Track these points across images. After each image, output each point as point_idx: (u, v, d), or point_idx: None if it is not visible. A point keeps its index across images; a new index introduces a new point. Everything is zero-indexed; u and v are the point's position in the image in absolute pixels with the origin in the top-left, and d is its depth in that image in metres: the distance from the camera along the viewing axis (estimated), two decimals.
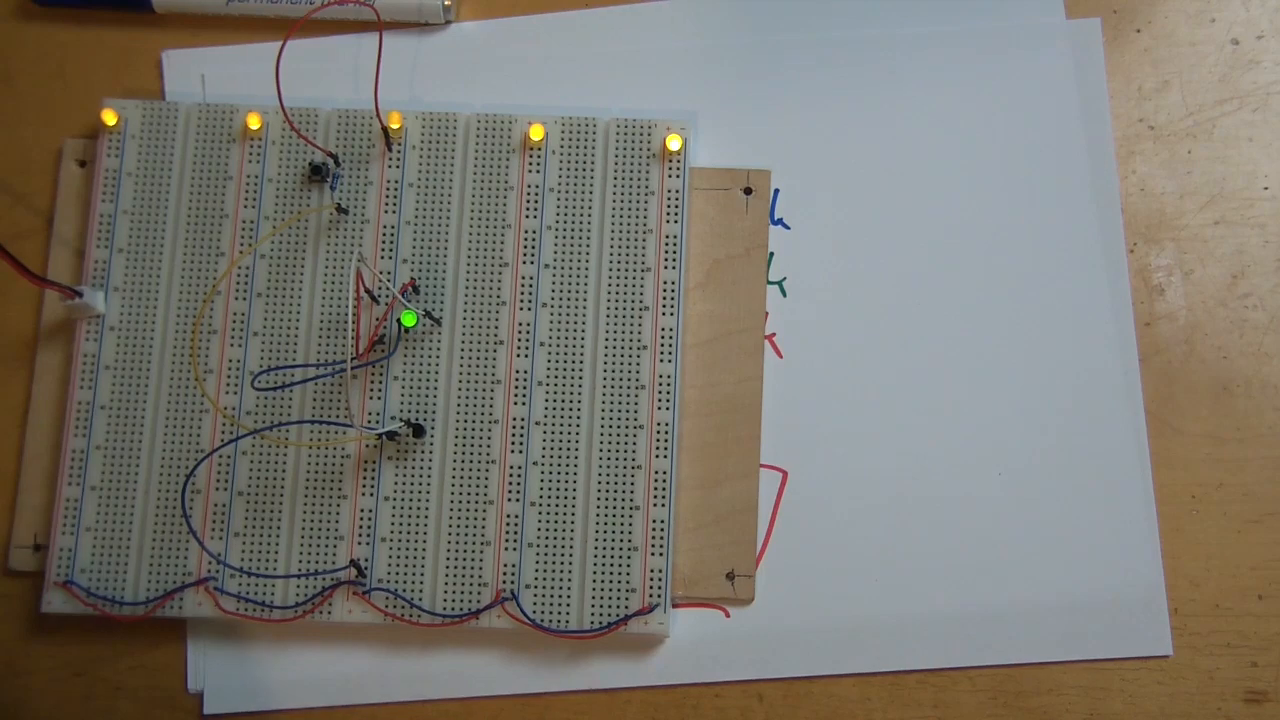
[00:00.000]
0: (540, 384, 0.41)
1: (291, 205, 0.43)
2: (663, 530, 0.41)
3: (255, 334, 0.42)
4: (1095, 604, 0.41)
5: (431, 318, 0.42)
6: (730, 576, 0.41)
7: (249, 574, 0.40)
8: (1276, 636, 0.41)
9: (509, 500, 0.41)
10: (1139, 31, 0.45)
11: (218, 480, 0.41)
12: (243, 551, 0.41)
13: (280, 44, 0.40)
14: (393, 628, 0.41)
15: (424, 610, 0.40)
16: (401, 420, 0.41)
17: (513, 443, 0.41)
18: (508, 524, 0.41)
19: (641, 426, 0.41)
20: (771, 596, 0.41)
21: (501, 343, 0.42)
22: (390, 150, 0.43)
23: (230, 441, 0.41)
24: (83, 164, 0.44)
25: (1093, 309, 0.43)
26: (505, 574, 0.40)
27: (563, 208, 0.42)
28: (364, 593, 0.40)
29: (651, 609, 0.40)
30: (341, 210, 0.42)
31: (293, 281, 0.42)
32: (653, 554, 0.40)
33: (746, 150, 0.44)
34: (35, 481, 0.42)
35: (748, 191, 0.43)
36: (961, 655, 0.41)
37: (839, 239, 0.43)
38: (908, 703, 0.41)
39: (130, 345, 0.42)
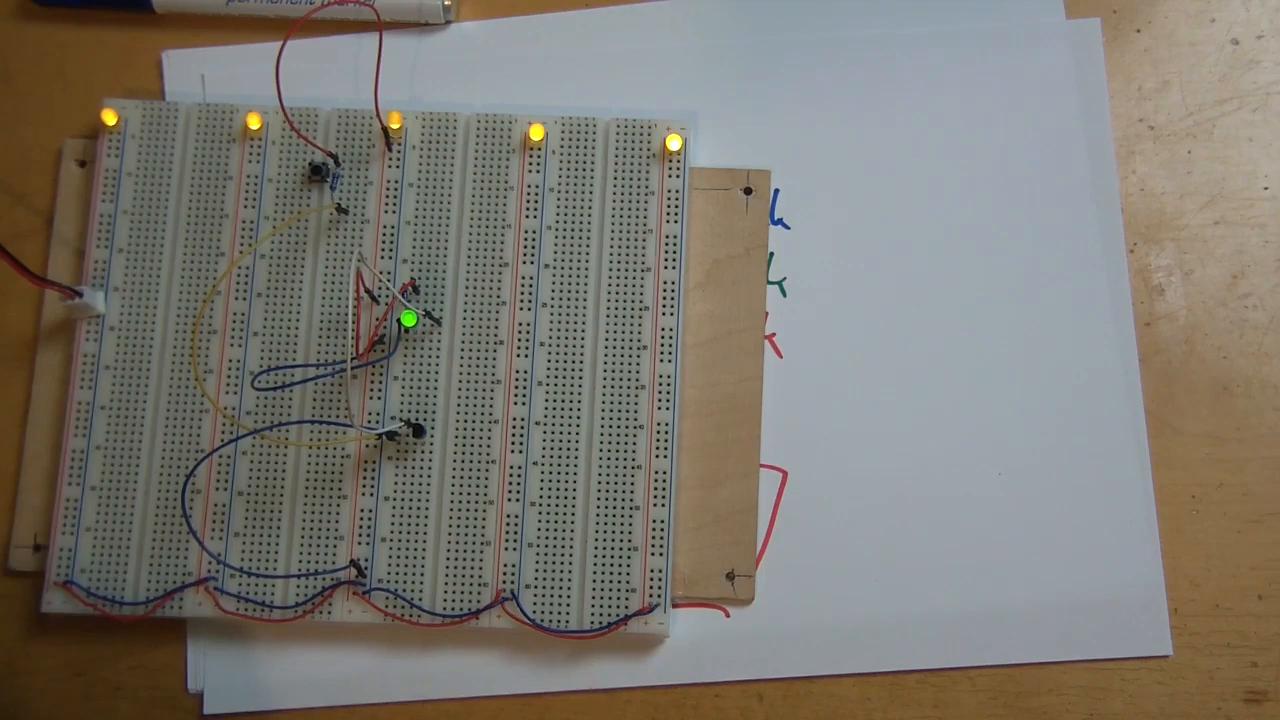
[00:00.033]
0: (540, 384, 0.41)
1: (291, 205, 0.43)
2: (663, 530, 0.41)
3: (255, 334, 0.42)
4: (1095, 604, 0.41)
5: (431, 318, 0.42)
6: (730, 576, 0.41)
7: (249, 574, 0.40)
8: (1276, 636, 0.41)
9: (509, 500, 0.41)
10: (1139, 31, 0.45)
11: (218, 480, 0.41)
12: (243, 551, 0.41)
13: (280, 44, 0.40)
14: (393, 628, 0.41)
15: (424, 610, 0.40)
16: (401, 420, 0.41)
17: (513, 443, 0.41)
18: (508, 524, 0.41)
19: (641, 426, 0.41)
20: (771, 596, 0.41)
21: (501, 343, 0.42)
22: (390, 150, 0.43)
23: (230, 441, 0.41)
24: (83, 164, 0.44)
25: (1093, 309, 0.43)
26: (505, 574, 0.40)
27: (563, 208, 0.42)
28: (364, 593, 0.40)
29: (651, 609, 0.40)
30: (341, 210, 0.42)
31: (293, 281, 0.42)
32: (653, 554, 0.40)
33: (746, 150, 0.44)
34: (35, 481, 0.42)
35: (748, 191, 0.43)
36: (961, 655, 0.41)
37: (839, 239, 0.43)
38: (908, 703, 0.41)
39: (130, 345, 0.42)
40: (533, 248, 0.42)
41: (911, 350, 0.43)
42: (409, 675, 0.41)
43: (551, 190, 0.43)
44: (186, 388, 0.42)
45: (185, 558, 0.41)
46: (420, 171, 0.43)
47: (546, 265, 0.42)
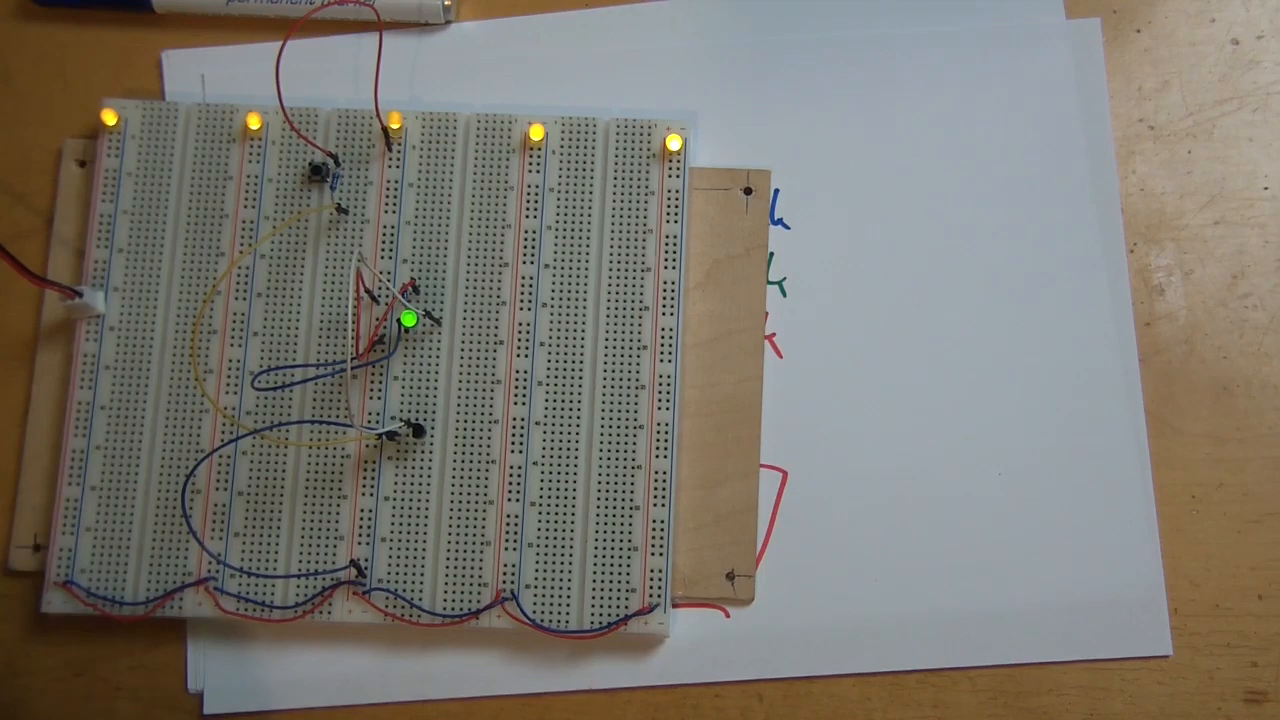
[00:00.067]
0: (540, 384, 0.41)
1: (291, 205, 0.43)
2: (663, 530, 0.41)
3: (255, 334, 0.42)
4: (1095, 604, 0.41)
5: (431, 318, 0.42)
6: (730, 576, 0.41)
7: (249, 574, 0.40)
8: (1276, 636, 0.41)
9: (509, 500, 0.41)
10: (1139, 31, 0.45)
11: (218, 480, 0.41)
12: (243, 551, 0.41)
13: (280, 44, 0.40)
14: (393, 628, 0.41)
15: (424, 610, 0.40)
16: (401, 420, 0.41)
17: (513, 443, 0.41)
18: (508, 524, 0.41)
19: (641, 426, 0.41)
20: (771, 596, 0.41)
21: (501, 343, 0.42)
22: (390, 150, 0.43)
23: (230, 441, 0.41)
24: (83, 164, 0.44)
25: (1093, 309, 0.43)
26: (505, 574, 0.40)
27: (563, 208, 0.42)
28: (364, 593, 0.40)
29: (651, 609, 0.40)
30: (341, 210, 0.42)
31: (293, 281, 0.42)
32: (653, 554, 0.40)
33: (746, 150, 0.44)
34: (35, 481, 0.42)
35: (748, 191, 0.43)
36: (961, 655, 0.41)
37: (839, 239, 0.43)
38: (908, 703, 0.41)
39: (130, 345, 0.42)
40: (533, 248, 0.42)
41: (911, 350, 0.43)
42: (409, 675, 0.41)
43: (551, 190, 0.43)
44: (186, 388, 0.42)
45: (185, 558, 0.41)
46: (420, 171, 0.43)
47: (546, 265, 0.42)
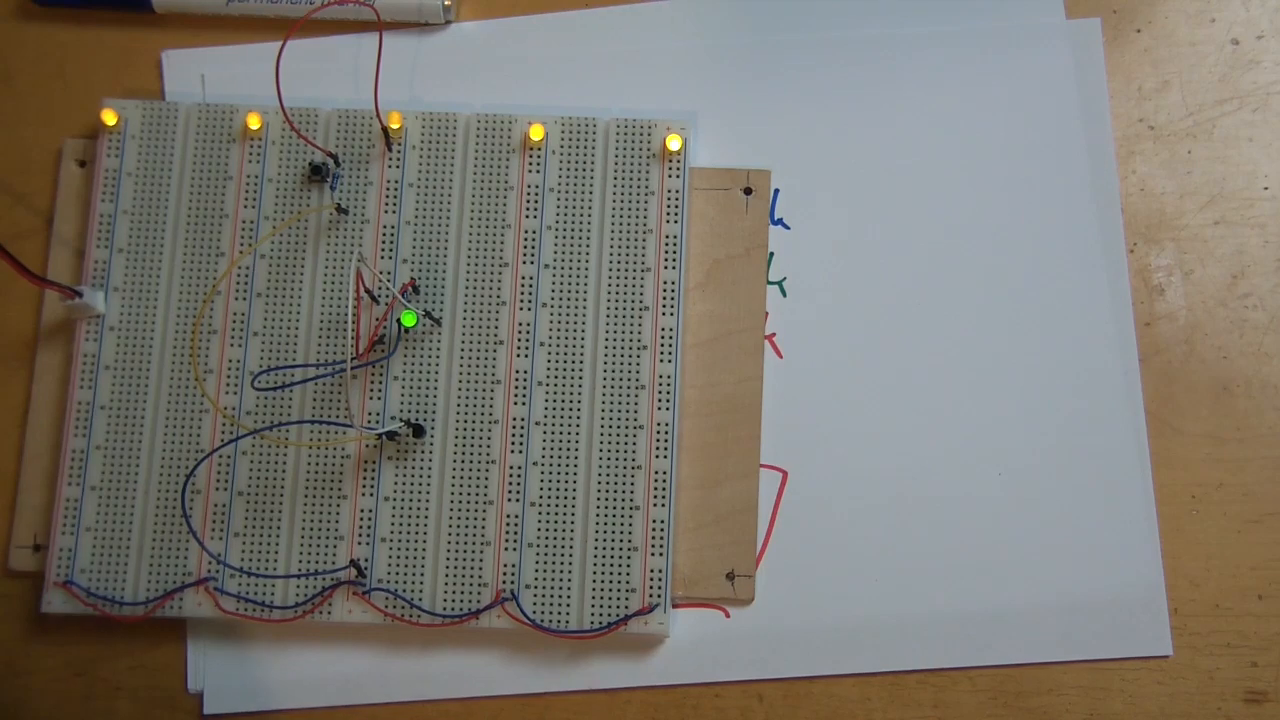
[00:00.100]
0: (540, 384, 0.41)
1: (291, 205, 0.43)
2: (663, 530, 0.40)
3: (255, 334, 0.42)
4: (1095, 604, 0.41)
5: (431, 318, 0.42)
6: (730, 576, 0.41)
7: (249, 574, 0.40)
8: (1276, 636, 0.41)
9: (509, 500, 0.41)
10: (1139, 31, 0.45)
11: (218, 480, 0.41)
12: (243, 551, 0.41)
13: (280, 44, 0.40)
14: (393, 628, 0.41)
15: (424, 610, 0.40)
16: (401, 420, 0.41)
17: (513, 443, 0.41)
18: (508, 524, 0.41)
19: (641, 426, 0.41)
20: (771, 596, 0.41)
21: (501, 343, 0.42)
22: (390, 150, 0.43)
23: (230, 441, 0.41)
24: (83, 164, 0.44)
25: (1093, 309, 0.43)
26: (505, 574, 0.40)
27: (563, 208, 0.42)
28: (364, 593, 0.40)
29: (651, 609, 0.40)
30: (341, 210, 0.42)
31: (293, 281, 0.42)
32: (653, 554, 0.40)
33: (746, 150, 0.44)
34: (35, 481, 0.42)
35: (748, 191, 0.43)
36: (961, 655, 0.41)
37: (839, 239, 0.43)
38: (908, 703, 0.41)
39: (130, 345, 0.42)
40: (533, 248, 0.42)
41: (911, 350, 0.43)
42: (409, 675, 0.41)
43: (551, 190, 0.43)
44: (186, 388, 0.42)
45: (185, 558, 0.41)
46: (420, 171, 0.43)
47: (546, 265, 0.42)
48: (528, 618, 0.40)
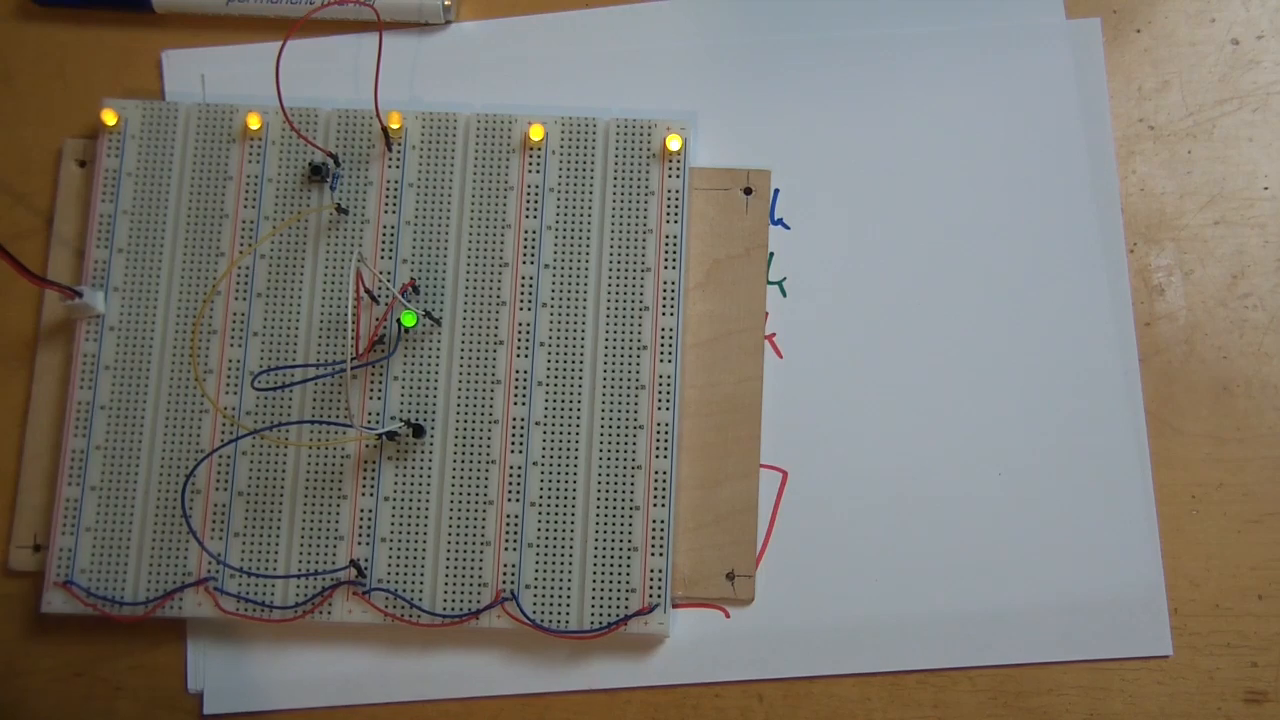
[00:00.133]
0: (540, 384, 0.41)
1: (291, 205, 0.43)
2: (663, 530, 0.40)
3: (255, 334, 0.42)
4: (1095, 604, 0.41)
5: (431, 318, 0.42)
6: (730, 576, 0.41)
7: (249, 574, 0.40)
8: (1276, 636, 0.41)
9: (509, 500, 0.41)
10: (1139, 31, 0.45)
11: (218, 480, 0.41)
12: (243, 551, 0.41)
13: (280, 44, 0.40)
14: (393, 628, 0.41)
15: (424, 610, 0.40)
16: (401, 420, 0.41)
17: (513, 443, 0.41)
18: (508, 524, 0.41)
19: (641, 426, 0.41)
20: (771, 596, 0.41)
21: (501, 343, 0.42)
22: (390, 150, 0.43)
23: (230, 441, 0.41)
24: (83, 164, 0.44)
25: (1093, 309, 0.43)
26: (505, 574, 0.40)
27: (563, 208, 0.42)
28: (364, 593, 0.40)
29: (651, 609, 0.40)
30: (341, 210, 0.42)
31: (293, 281, 0.42)
32: (653, 554, 0.40)
33: (746, 150, 0.44)
34: (35, 481, 0.42)
35: (748, 191, 0.43)
36: (961, 655, 0.41)
37: (839, 239, 0.43)
38: (908, 703, 0.41)
39: (130, 345, 0.42)
40: (533, 248, 0.42)
41: (911, 350, 0.43)
42: (409, 675, 0.41)
43: (551, 190, 0.43)
44: (186, 388, 0.42)
45: (185, 558, 0.41)
46: (420, 171, 0.43)
47: (546, 265, 0.42)
48: (528, 618, 0.40)
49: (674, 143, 0.42)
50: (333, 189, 0.43)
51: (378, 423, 0.41)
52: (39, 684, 0.42)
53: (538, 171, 0.43)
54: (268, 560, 0.41)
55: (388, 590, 0.40)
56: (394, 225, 0.42)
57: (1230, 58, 0.44)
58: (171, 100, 0.44)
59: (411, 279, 0.42)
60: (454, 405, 0.41)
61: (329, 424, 0.41)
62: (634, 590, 0.40)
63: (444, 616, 0.40)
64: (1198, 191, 0.44)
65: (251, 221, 0.43)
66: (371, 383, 0.41)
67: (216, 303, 0.42)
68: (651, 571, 0.40)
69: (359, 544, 0.41)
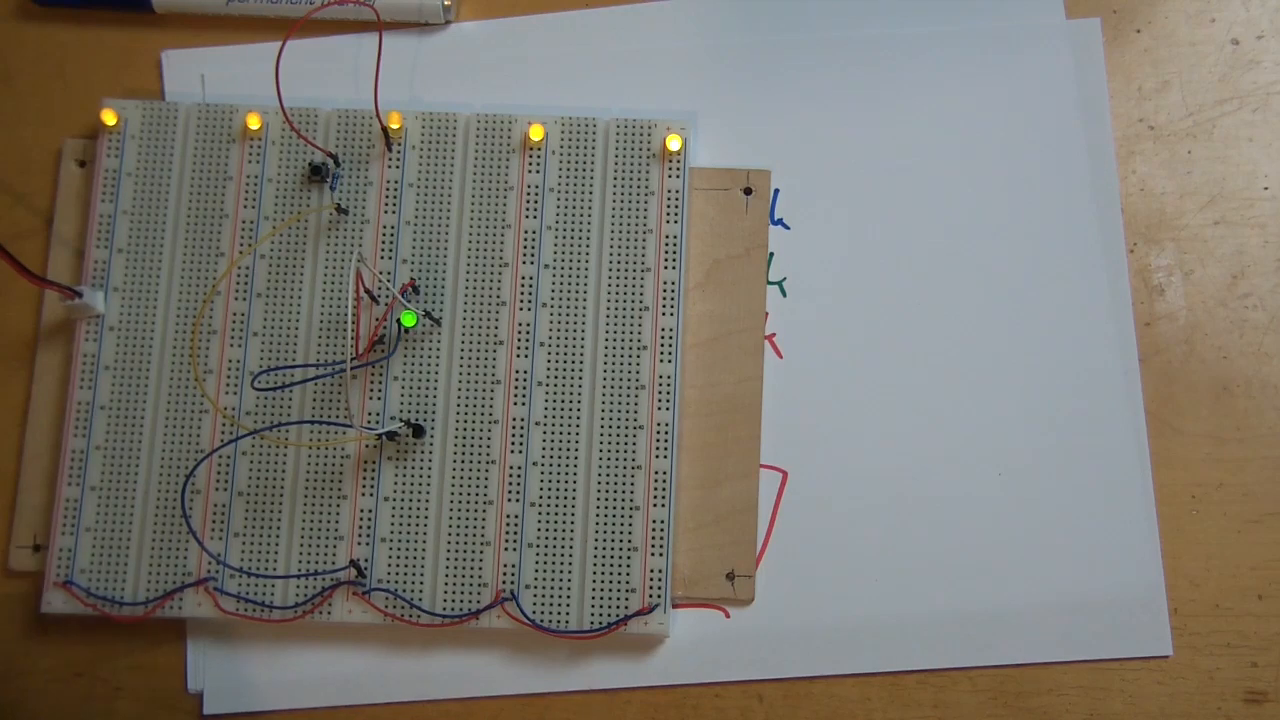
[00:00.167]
0: (540, 384, 0.41)
1: (291, 205, 0.43)
2: (663, 530, 0.40)
3: (255, 334, 0.42)
4: (1095, 604, 0.41)
5: (431, 318, 0.42)
6: (730, 576, 0.41)
7: (249, 574, 0.40)
8: (1276, 636, 0.41)
9: (509, 500, 0.41)
10: (1139, 31, 0.45)
11: (217, 480, 0.41)
12: (242, 551, 0.41)
13: (280, 44, 0.40)
14: (393, 628, 0.41)
15: (424, 610, 0.40)
16: (401, 420, 0.41)
17: (513, 443, 0.41)
18: (507, 524, 0.41)
19: (641, 426, 0.41)
20: (771, 596, 0.41)
21: (501, 343, 0.42)
22: (390, 150, 0.43)
23: (230, 441, 0.41)
24: (83, 164, 0.44)
25: (1093, 309, 0.43)
26: (505, 574, 0.40)
27: (563, 208, 0.42)
28: (364, 593, 0.40)
29: (651, 609, 0.40)
30: (341, 210, 0.42)
31: (293, 281, 0.42)
32: (653, 554, 0.40)
33: (746, 150, 0.44)
34: (35, 481, 0.42)
35: (748, 191, 0.43)
36: (961, 655, 0.41)
37: (839, 239, 0.43)
38: (908, 703, 0.41)
39: (130, 345, 0.42)
40: (533, 248, 0.42)
41: (911, 350, 0.43)
42: (409, 675, 0.41)
43: (551, 190, 0.43)
44: (186, 388, 0.42)
45: (185, 558, 0.41)
46: (420, 171, 0.43)
47: (546, 265, 0.42)
48: (528, 618, 0.40)
49: (674, 143, 0.42)
50: (333, 189, 0.43)
51: (378, 423, 0.41)
52: (39, 684, 0.42)
53: (538, 171, 0.43)
54: (267, 560, 0.41)
55: (388, 590, 0.40)
56: (394, 225, 0.42)
57: (1230, 58, 0.44)
58: (171, 100, 0.44)
59: (411, 279, 0.42)
60: (454, 405, 0.41)
61: (329, 424, 0.41)
62: (634, 590, 0.40)
63: (444, 616, 0.40)
64: (1198, 191, 0.44)
65: (251, 221, 0.43)
66: (371, 383, 0.41)
67: (216, 303, 0.42)
68: (651, 571, 0.40)
69: (359, 544, 0.41)
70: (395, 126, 0.42)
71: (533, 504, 0.41)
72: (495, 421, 0.41)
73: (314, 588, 0.40)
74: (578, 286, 0.42)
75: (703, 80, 0.44)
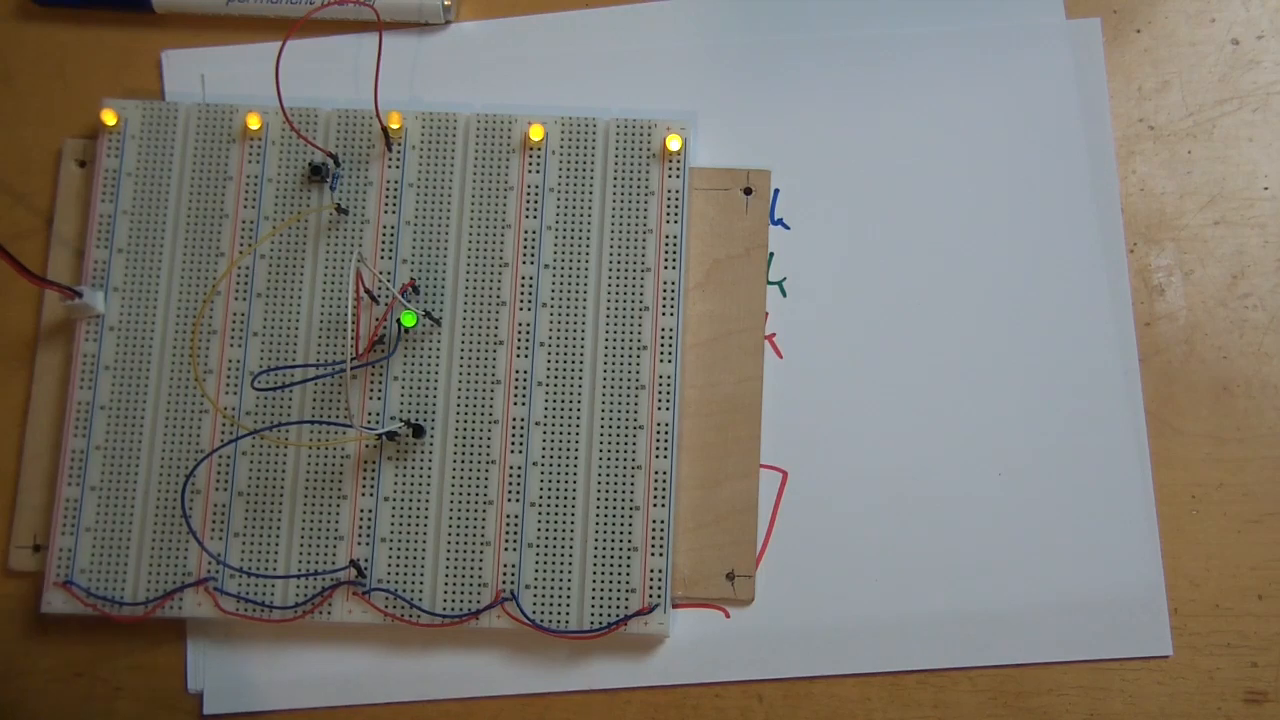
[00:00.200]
0: (540, 384, 0.41)
1: (291, 205, 0.43)
2: (663, 530, 0.40)
3: (255, 334, 0.42)
4: (1095, 604, 0.41)
5: (431, 318, 0.42)
6: (730, 576, 0.41)
7: (249, 574, 0.40)
8: (1276, 636, 0.41)
9: (509, 500, 0.41)
10: (1139, 31, 0.45)
11: (217, 480, 0.41)
12: (242, 551, 0.41)
13: (280, 44, 0.40)
14: (393, 628, 0.41)
15: (424, 610, 0.40)
16: (401, 420, 0.41)
17: (513, 443, 0.41)
18: (507, 524, 0.41)
19: (641, 426, 0.41)
20: (771, 596, 0.41)
21: (501, 343, 0.42)
22: (390, 150, 0.43)
23: (230, 441, 0.41)
24: (83, 164, 0.44)
25: (1093, 309, 0.43)
26: (505, 574, 0.40)
27: (563, 208, 0.42)
28: (364, 593, 0.40)
29: (651, 609, 0.40)
30: (341, 210, 0.42)
31: (293, 281, 0.42)
32: (653, 554, 0.40)
33: (746, 150, 0.44)
34: (35, 481, 0.42)
35: (748, 191, 0.43)
36: (961, 655, 0.41)
37: (839, 239, 0.43)
38: (908, 703, 0.41)
39: (130, 345, 0.42)
40: (533, 248, 0.42)
41: (911, 350, 0.43)
42: (409, 675, 0.41)
43: (551, 190, 0.43)
44: (186, 388, 0.42)
45: (185, 558, 0.41)
46: (420, 171, 0.43)
47: (546, 265, 0.42)
48: (528, 618, 0.40)
49: (674, 143, 0.42)
50: (333, 189, 0.43)
51: (378, 423, 0.41)
52: (39, 684, 0.42)
53: (538, 171, 0.43)
54: (267, 560, 0.41)
55: (388, 590, 0.40)
56: (394, 225, 0.42)
57: (1230, 58, 0.44)
58: (171, 100, 0.44)
59: (411, 279, 0.42)
60: (454, 405, 0.41)
61: (329, 424, 0.41)
62: (634, 590, 0.40)
63: (444, 616, 0.40)
64: (1198, 191, 0.44)
65: (251, 221, 0.43)
66: (371, 383, 0.41)
67: (216, 303, 0.42)
68: (651, 571, 0.40)
69: (359, 544, 0.41)
70: (395, 126, 0.42)
71: (533, 504, 0.41)
72: (495, 421, 0.41)
73: (314, 588, 0.40)
74: (578, 286, 0.42)
75: (703, 80, 0.44)
